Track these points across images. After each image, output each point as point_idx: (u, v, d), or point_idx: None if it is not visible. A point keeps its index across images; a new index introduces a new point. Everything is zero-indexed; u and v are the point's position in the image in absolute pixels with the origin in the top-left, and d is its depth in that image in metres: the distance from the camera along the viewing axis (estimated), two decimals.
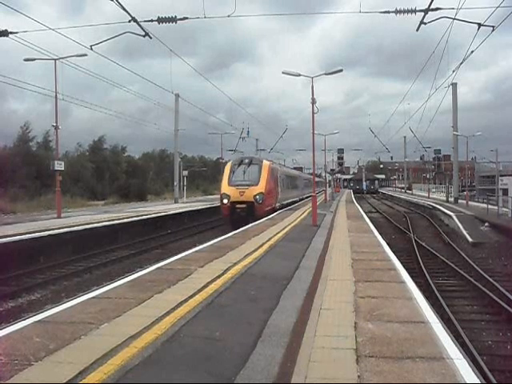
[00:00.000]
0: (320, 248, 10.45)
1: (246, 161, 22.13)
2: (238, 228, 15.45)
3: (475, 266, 12.20)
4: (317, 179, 31.29)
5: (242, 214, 20.05)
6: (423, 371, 3.52)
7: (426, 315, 5.02)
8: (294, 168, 52.24)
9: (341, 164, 58.24)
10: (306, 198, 37.70)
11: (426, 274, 11.21)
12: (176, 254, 10.28)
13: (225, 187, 21.25)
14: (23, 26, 33.47)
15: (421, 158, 71.26)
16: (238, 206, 20.43)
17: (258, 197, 20.53)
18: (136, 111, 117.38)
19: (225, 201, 20.72)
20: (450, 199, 35.45)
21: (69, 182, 37.02)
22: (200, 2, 12.52)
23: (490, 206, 23.46)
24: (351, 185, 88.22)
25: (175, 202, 34.06)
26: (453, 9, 12.73)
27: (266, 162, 22.58)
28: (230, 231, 14.78)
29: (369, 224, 16.84)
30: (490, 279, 10.63)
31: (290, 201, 29.87)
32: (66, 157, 42.93)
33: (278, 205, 24.32)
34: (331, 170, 56.59)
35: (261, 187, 20.85)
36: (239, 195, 20.51)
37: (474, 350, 6.24)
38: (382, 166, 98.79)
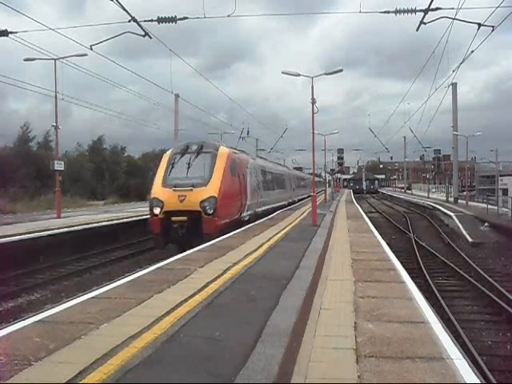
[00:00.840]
0: (320, 248, 10.44)
1: (194, 148, 14.65)
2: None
3: (475, 266, 12.21)
4: (316, 179, 29.36)
5: (181, 232, 13.12)
6: (423, 371, 3.52)
7: (426, 315, 5.01)
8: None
9: (341, 164, 58.47)
10: (300, 200, 36.27)
11: (426, 274, 11.22)
12: (176, 253, 10.27)
13: (157, 189, 13.98)
14: (23, 26, 33.53)
15: (421, 158, 71.40)
16: (175, 218, 13.20)
17: (207, 204, 13.31)
18: (136, 111, 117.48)
19: (155, 210, 13.53)
20: (449, 199, 35.46)
21: (69, 181, 37.02)
22: (200, 2, 12.50)
23: (489, 206, 23.49)
24: (351, 185, 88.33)
25: None
26: (453, 9, 12.75)
27: (224, 150, 15.18)
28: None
29: (368, 224, 16.84)
30: (490, 279, 10.64)
31: (271, 206, 22.20)
32: (66, 157, 42.91)
33: (247, 214, 16.92)
34: (331, 169, 56.65)
35: (213, 188, 13.61)
36: (178, 201, 13.31)
37: (474, 350, 6.25)
38: (381, 165, 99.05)
